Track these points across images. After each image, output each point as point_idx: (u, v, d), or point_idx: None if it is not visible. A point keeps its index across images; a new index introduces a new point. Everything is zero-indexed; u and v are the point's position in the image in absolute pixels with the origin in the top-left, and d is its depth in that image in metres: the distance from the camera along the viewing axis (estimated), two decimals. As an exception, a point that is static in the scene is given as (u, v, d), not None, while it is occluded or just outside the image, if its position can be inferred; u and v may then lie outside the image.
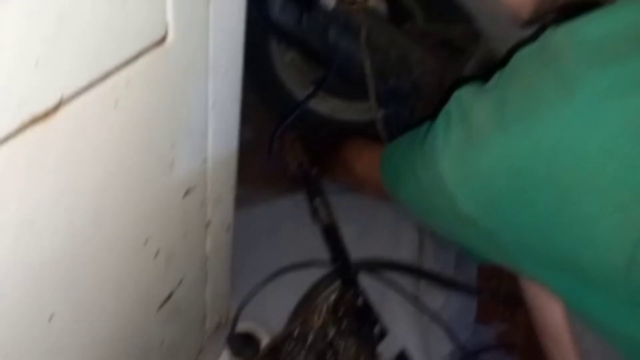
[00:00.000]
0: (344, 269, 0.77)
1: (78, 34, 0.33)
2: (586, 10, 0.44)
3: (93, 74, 0.35)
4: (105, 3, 0.34)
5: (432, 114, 0.53)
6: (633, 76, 0.40)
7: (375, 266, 0.82)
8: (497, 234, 0.49)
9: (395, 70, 0.97)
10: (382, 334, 0.77)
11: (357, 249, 0.85)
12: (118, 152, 0.41)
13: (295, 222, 0.89)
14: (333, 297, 0.75)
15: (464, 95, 0.49)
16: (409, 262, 0.88)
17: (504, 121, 0.44)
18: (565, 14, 0.46)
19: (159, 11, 0.39)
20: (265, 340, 0.77)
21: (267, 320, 0.79)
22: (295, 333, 0.72)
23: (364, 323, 0.75)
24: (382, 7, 0.96)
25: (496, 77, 0.48)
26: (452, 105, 0.50)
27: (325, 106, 1.15)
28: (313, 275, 0.80)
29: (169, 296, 0.59)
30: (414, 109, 0.97)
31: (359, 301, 0.76)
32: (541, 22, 0.55)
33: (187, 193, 0.54)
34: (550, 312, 0.57)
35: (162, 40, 0.40)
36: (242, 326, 0.77)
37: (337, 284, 0.76)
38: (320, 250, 0.84)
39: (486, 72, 0.49)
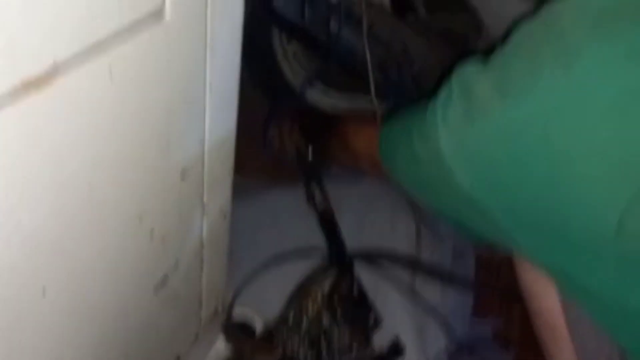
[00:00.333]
0: (339, 256, 0.77)
1: None
2: None
3: (87, 41, 0.35)
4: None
5: (431, 93, 0.53)
6: (630, 48, 0.41)
7: (372, 255, 0.81)
8: (490, 208, 0.49)
9: (397, 62, 0.97)
10: (377, 323, 0.77)
11: (353, 238, 0.85)
12: (113, 126, 0.41)
13: (292, 211, 0.89)
14: (328, 284, 0.74)
15: (467, 70, 0.50)
16: (406, 254, 0.88)
17: (504, 92, 0.45)
18: None
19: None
20: (260, 328, 0.77)
21: (263, 308, 0.79)
22: (290, 320, 0.72)
23: (359, 312, 0.75)
24: (384, -2, 0.96)
25: (498, 52, 0.48)
26: (454, 79, 0.50)
27: (326, 97, 1.15)
28: (309, 263, 0.80)
29: (165, 279, 0.59)
30: (414, 102, 0.97)
31: (354, 290, 0.76)
32: None
33: (183, 174, 0.54)
34: (546, 299, 0.58)
35: (159, 14, 0.40)
36: (238, 313, 0.77)
37: (332, 271, 0.76)
38: (317, 239, 0.84)
39: (489, 47, 0.50)
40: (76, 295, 0.46)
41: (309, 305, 0.73)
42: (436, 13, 0.96)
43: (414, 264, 0.86)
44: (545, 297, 0.59)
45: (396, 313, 0.83)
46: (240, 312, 0.77)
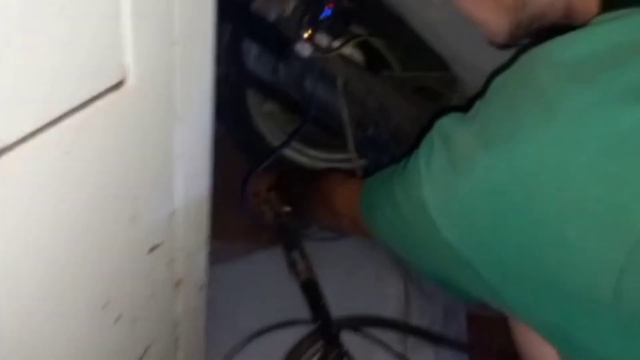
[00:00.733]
0: (325, 328, 0.72)
1: (21, 76, 0.30)
2: (560, 34, 0.44)
3: (39, 121, 0.32)
4: (53, 43, 0.31)
5: (410, 149, 0.52)
6: (611, 93, 0.40)
7: (359, 323, 0.77)
8: (477, 263, 0.47)
9: (374, 118, 0.96)
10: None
11: (340, 304, 0.80)
12: (70, 205, 0.38)
13: (274, 277, 0.84)
14: (316, 358, 0.69)
15: (447, 122, 0.49)
16: (394, 317, 0.84)
17: (486, 145, 0.44)
18: (540, 38, 0.46)
19: (116, 53, 0.36)
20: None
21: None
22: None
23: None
24: (358, 55, 0.96)
25: (477, 104, 0.48)
26: (434, 132, 0.50)
27: (305, 157, 1.13)
28: (294, 335, 0.75)
29: (135, 365, 0.54)
30: (394, 158, 0.96)
31: (343, 361, 0.71)
32: (517, 47, 0.55)
33: (152, 249, 0.50)
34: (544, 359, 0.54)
35: (120, 84, 0.37)
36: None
37: (319, 343, 0.71)
38: (302, 307, 0.79)
39: (467, 102, 0.49)
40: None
41: (296, 382, 0.68)
42: (411, 69, 0.96)
43: (403, 329, 0.81)
44: (544, 358, 0.55)
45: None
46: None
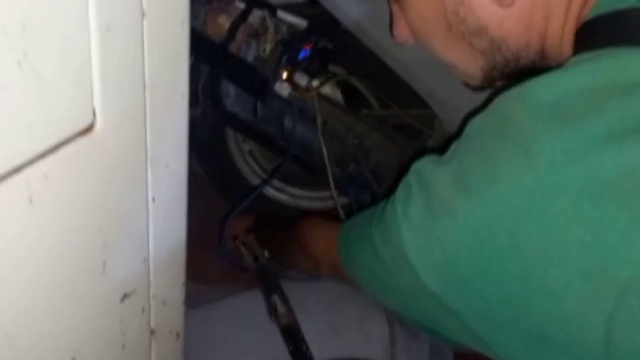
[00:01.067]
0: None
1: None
2: (535, 75, 0.44)
3: (0, 168, 0.31)
4: (16, 88, 0.30)
5: (391, 188, 0.51)
6: (590, 135, 0.39)
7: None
8: (461, 310, 0.45)
9: (354, 156, 0.96)
10: None
11: (323, 345, 0.78)
12: (34, 255, 0.36)
13: (254, 321, 0.82)
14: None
15: (423, 165, 0.48)
16: (380, 358, 0.82)
17: (466, 189, 0.43)
18: (516, 79, 0.46)
19: (84, 97, 0.35)
20: None
21: None
22: None
23: None
24: (337, 94, 0.97)
25: (453, 147, 0.47)
26: (411, 175, 0.49)
27: (286, 195, 1.12)
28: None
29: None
30: (375, 195, 0.95)
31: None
32: (492, 88, 0.55)
33: (124, 298, 0.48)
34: None
35: (89, 128, 0.36)
36: None
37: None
38: (284, 352, 0.77)
39: (443, 144, 0.49)
40: None
41: None
42: (389, 107, 0.97)
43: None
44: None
45: None
46: None
